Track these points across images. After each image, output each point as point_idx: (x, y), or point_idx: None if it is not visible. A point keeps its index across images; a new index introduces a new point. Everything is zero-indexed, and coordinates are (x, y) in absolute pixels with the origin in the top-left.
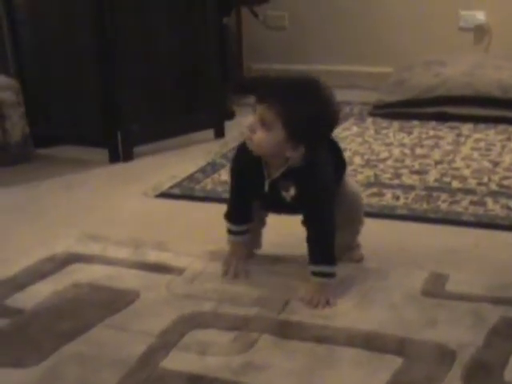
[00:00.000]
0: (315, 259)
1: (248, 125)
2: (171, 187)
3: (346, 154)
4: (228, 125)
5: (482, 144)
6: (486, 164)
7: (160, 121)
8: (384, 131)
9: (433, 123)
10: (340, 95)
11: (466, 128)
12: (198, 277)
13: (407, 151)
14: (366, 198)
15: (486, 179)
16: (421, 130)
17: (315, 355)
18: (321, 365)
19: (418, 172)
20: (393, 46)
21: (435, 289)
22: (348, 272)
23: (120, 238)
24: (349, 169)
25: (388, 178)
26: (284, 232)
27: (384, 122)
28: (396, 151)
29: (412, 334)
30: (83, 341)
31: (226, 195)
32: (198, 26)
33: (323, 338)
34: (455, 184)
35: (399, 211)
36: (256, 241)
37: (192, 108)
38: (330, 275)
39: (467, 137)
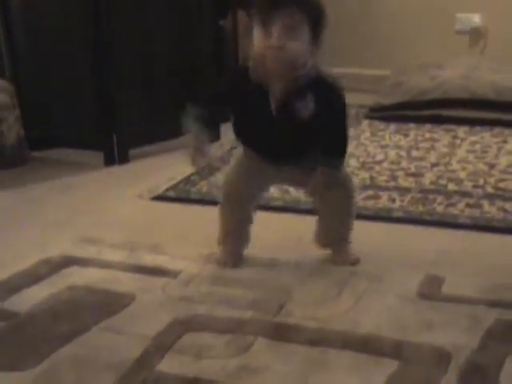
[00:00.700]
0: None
1: (274, 41)
2: (167, 190)
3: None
4: (223, 127)
5: (477, 146)
6: (482, 166)
7: (155, 123)
8: (380, 133)
9: (429, 126)
10: None
11: (462, 130)
12: (193, 280)
13: (403, 153)
14: (362, 201)
15: (481, 182)
16: (417, 133)
17: (311, 358)
18: (316, 368)
19: (413, 174)
20: (390, 48)
21: (431, 291)
22: (343, 275)
23: (115, 241)
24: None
25: (384, 180)
26: (279, 234)
27: (380, 125)
28: (392, 153)
29: (408, 337)
30: (79, 344)
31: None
32: (194, 28)
33: (319, 340)
34: (451, 186)
35: (395, 214)
36: (245, 239)
37: (188, 110)
38: (337, 167)
39: (463, 139)
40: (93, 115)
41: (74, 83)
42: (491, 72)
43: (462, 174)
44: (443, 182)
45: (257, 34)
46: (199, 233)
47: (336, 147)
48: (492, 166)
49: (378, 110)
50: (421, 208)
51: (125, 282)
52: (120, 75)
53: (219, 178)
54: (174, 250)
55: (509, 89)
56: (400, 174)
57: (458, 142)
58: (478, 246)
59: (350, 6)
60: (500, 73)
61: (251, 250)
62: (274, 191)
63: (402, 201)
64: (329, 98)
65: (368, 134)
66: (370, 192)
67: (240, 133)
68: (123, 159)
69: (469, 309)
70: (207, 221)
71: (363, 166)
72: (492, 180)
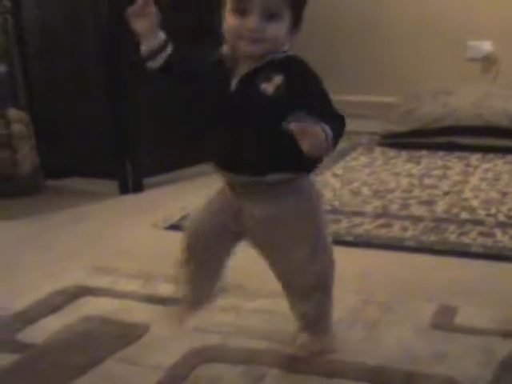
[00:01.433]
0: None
1: (251, 23)
2: (181, 219)
3: (354, 185)
4: None
5: (490, 174)
6: (495, 195)
7: (170, 152)
8: (392, 161)
9: (441, 153)
10: (351, 126)
11: (475, 158)
12: (207, 310)
13: (415, 181)
14: (375, 229)
15: (494, 210)
16: (429, 160)
17: None
18: None
19: (426, 202)
20: (401, 76)
21: (444, 322)
22: (356, 304)
23: (130, 271)
24: (358, 199)
25: (396, 208)
26: None
27: (392, 152)
28: (404, 181)
29: (420, 368)
30: (94, 375)
31: None
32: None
33: (332, 372)
34: (464, 215)
35: (407, 243)
36: (221, 277)
37: (203, 139)
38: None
39: (476, 167)
40: (107, 144)
41: (88, 113)
42: (504, 99)
43: (475, 203)
44: (456, 210)
45: (231, 12)
46: None
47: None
48: (505, 194)
49: (389, 137)
50: (433, 237)
51: (139, 313)
52: (134, 105)
53: None
54: None
55: None
56: (412, 202)
57: (470, 169)
58: (491, 276)
59: (360, 33)
60: None
61: (266, 279)
62: None
63: (414, 230)
64: (304, 79)
65: (380, 162)
66: (382, 221)
67: (204, 130)
68: (137, 188)
69: (482, 340)
70: None
71: (375, 194)
72: (505, 208)
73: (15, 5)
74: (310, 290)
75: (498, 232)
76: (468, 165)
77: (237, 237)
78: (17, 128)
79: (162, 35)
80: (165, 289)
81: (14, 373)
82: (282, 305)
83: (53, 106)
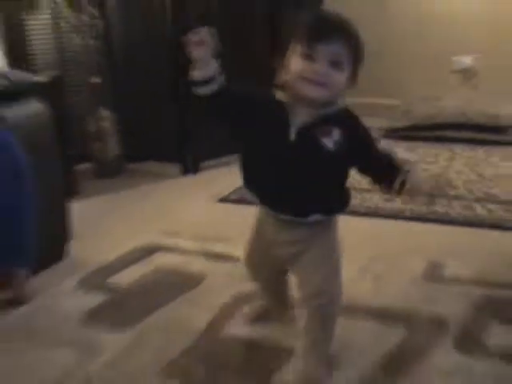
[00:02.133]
0: (394, 172)
1: (319, 68)
2: (230, 194)
3: None
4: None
5: (471, 161)
6: (474, 177)
7: (220, 142)
8: (394, 150)
9: (433, 144)
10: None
11: (459, 148)
12: None
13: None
14: (381, 203)
15: (473, 188)
16: (423, 149)
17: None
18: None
19: None
20: (401, 83)
21: (434, 275)
22: (364, 262)
23: (190, 234)
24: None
25: None
26: None
27: (394, 143)
28: None
29: (415, 308)
30: (164, 313)
31: None
32: (254, 68)
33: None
34: (450, 192)
35: (406, 214)
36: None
37: None
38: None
39: (459, 155)
40: (173, 136)
41: (158, 113)
42: (482, 102)
43: (459, 183)
44: (444, 188)
45: (298, 56)
46: None
47: (390, 172)
48: (482, 177)
49: (392, 131)
50: (426, 209)
51: (198, 266)
52: (195, 106)
53: None
54: (235, 241)
55: (495, 116)
56: None
57: (455, 156)
58: (471, 240)
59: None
60: (489, 104)
61: None
62: None
63: (412, 203)
64: (359, 135)
65: None
66: (387, 196)
67: (246, 163)
68: (196, 170)
69: (464, 288)
70: None
71: None
72: (482, 187)
73: (106, 27)
74: (320, 308)
75: (477, 206)
76: (453, 153)
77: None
78: (106, 125)
79: (215, 64)
80: (217, 247)
81: (104, 308)
82: None
83: (132, 107)
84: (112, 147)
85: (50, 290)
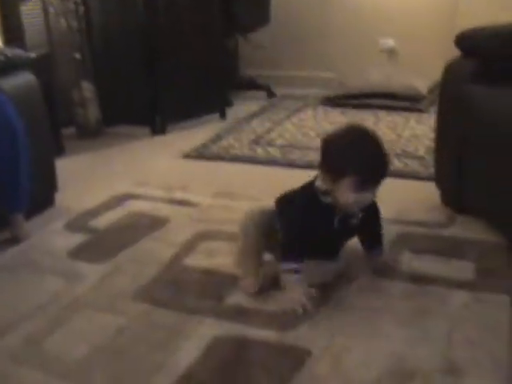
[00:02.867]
0: (379, 239)
1: (368, 200)
2: (191, 151)
3: (304, 130)
4: (228, 110)
5: (391, 124)
6: (394, 136)
7: (185, 107)
8: (330, 115)
9: (361, 110)
10: (302, 92)
11: (382, 113)
12: (207, 208)
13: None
14: (318, 158)
15: (393, 146)
16: (353, 115)
17: None
18: None
19: None
20: (336, 60)
21: None
22: None
23: (158, 184)
24: (307, 138)
25: None
26: None
27: (330, 109)
28: (337, 127)
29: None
30: (136, 248)
31: (227, 156)
32: (211, 46)
33: None
34: None
35: None
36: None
37: (206, 98)
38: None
39: (383, 119)
40: (144, 102)
41: (132, 83)
42: (402, 77)
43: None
44: None
45: (352, 190)
46: (211, 178)
47: (380, 239)
48: (400, 136)
49: (328, 99)
50: None
51: (164, 210)
52: (162, 75)
53: None
54: (195, 190)
55: (412, 88)
56: None
57: (379, 121)
58: (391, 189)
59: (312, 31)
60: (407, 78)
61: (246, 187)
62: None
63: None
64: (375, 215)
65: (322, 115)
66: None
67: (302, 244)
68: (163, 131)
69: (384, 226)
70: (216, 171)
71: (318, 135)
72: (400, 145)
73: (87, 11)
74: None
75: (395, 161)
76: (378, 118)
77: None
78: (88, 94)
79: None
80: (180, 195)
81: (86, 245)
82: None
83: (109, 79)
84: (92, 113)
85: (41, 231)
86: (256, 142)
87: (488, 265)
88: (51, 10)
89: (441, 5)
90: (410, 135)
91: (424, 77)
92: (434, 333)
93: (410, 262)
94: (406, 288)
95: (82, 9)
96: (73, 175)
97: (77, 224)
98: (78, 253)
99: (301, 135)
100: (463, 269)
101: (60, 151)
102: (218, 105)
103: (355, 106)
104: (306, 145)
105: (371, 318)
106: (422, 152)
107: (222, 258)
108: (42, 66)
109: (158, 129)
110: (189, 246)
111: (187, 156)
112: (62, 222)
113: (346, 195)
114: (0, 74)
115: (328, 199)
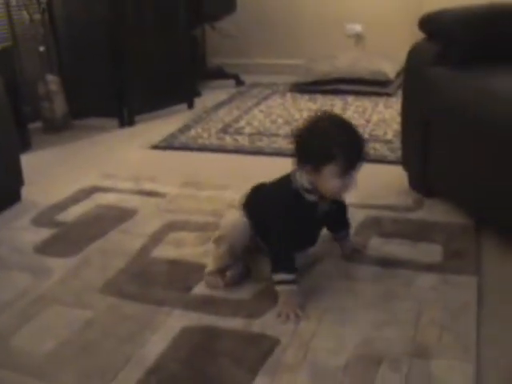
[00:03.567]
0: (347, 224)
1: (351, 183)
2: (159, 142)
3: (272, 117)
4: (196, 100)
5: (360, 109)
6: (362, 121)
7: (152, 98)
8: (298, 101)
9: (330, 96)
10: (270, 79)
11: (350, 98)
12: (175, 198)
13: (313, 114)
14: (285, 145)
15: (361, 131)
16: (322, 100)
17: None
18: None
19: None
20: (305, 46)
21: None
22: None
23: (126, 176)
24: (275, 126)
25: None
26: None
27: (298, 96)
28: (305, 114)
29: None
30: (104, 240)
31: (195, 146)
32: (177, 36)
33: None
34: None
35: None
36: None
37: (173, 89)
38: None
39: (351, 104)
40: (111, 94)
41: (98, 75)
42: (368, 62)
43: None
44: None
45: (335, 176)
46: (180, 168)
47: (347, 223)
48: (368, 121)
49: (296, 86)
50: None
51: (132, 202)
52: (129, 68)
53: None
54: (163, 180)
55: (380, 72)
56: None
57: (348, 106)
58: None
59: (279, 19)
60: (374, 63)
61: (213, 177)
62: None
63: None
64: (341, 201)
65: (290, 102)
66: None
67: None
68: (131, 123)
69: (351, 210)
70: (184, 161)
71: (286, 122)
72: (368, 130)
73: (50, 3)
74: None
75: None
76: (346, 103)
77: None
78: (53, 87)
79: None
80: (147, 186)
81: (53, 240)
82: (224, 194)
83: (75, 71)
84: (59, 106)
85: (8, 226)
86: (224, 130)
87: (456, 247)
88: (13, 2)
89: None
90: (378, 119)
91: (392, 61)
92: (402, 316)
93: (379, 246)
94: (374, 272)
95: (44, 0)
96: (39, 170)
97: (44, 218)
98: (45, 247)
99: (269, 122)
100: (431, 252)
101: (26, 146)
102: (185, 95)
103: (323, 92)
104: (274, 132)
105: (339, 302)
106: (390, 136)
107: (189, 248)
108: (4, 60)
109: (126, 120)
110: (157, 237)
111: (155, 147)
112: (29, 217)
113: (332, 182)
114: None
115: (312, 197)
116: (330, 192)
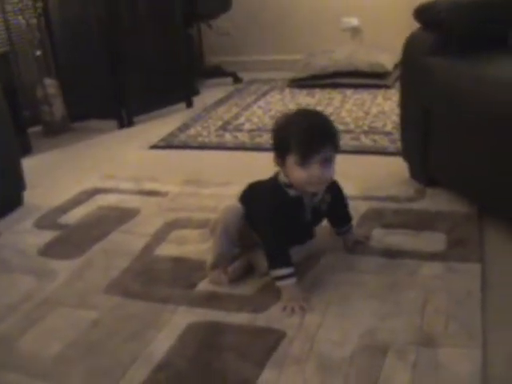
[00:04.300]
0: (348, 218)
1: (316, 173)
2: (159, 141)
3: (272, 113)
4: (195, 99)
5: (358, 101)
6: (361, 114)
7: (150, 98)
8: (296, 96)
9: (328, 90)
10: (268, 75)
11: (349, 92)
12: (176, 197)
13: (311, 108)
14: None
15: (360, 123)
16: (320, 95)
17: None
18: None
19: None
20: (302, 41)
21: None
22: None
23: (126, 176)
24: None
25: None
26: None
27: (297, 91)
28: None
29: None
30: (106, 242)
31: (195, 144)
32: (173, 35)
33: None
34: (341, 127)
35: None
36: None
37: (171, 89)
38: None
39: (349, 97)
40: (110, 96)
41: (96, 77)
42: (366, 54)
43: (348, 119)
44: (336, 125)
45: (295, 166)
46: (180, 167)
47: (349, 217)
48: (367, 114)
49: (295, 81)
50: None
51: (133, 202)
52: (126, 69)
53: None
54: (164, 179)
55: (377, 64)
56: None
57: (346, 99)
58: (358, 164)
59: (274, 17)
60: (371, 55)
61: (215, 174)
62: None
63: None
64: (341, 196)
65: (289, 97)
66: None
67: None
68: (130, 124)
69: (352, 202)
70: (185, 159)
71: None
72: (367, 122)
73: (46, 7)
74: None
75: (362, 137)
76: (345, 96)
77: None
78: (51, 90)
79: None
80: (148, 185)
81: (57, 242)
82: (225, 191)
83: (73, 74)
84: (58, 109)
85: (11, 230)
86: (224, 128)
87: (459, 235)
88: (9, 8)
89: None
90: (377, 111)
91: (389, 53)
92: (407, 305)
93: (382, 237)
94: (377, 263)
95: (40, 5)
96: (41, 173)
97: (46, 221)
98: (48, 250)
99: (268, 118)
100: (435, 241)
101: (27, 150)
102: (184, 94)
103: (322, 87)
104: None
105: (343, 294)
106: (389, 127)
107: (192, 245)
108: (2, 65)
109: (125, 121)
110: (159, 236)
111: (155, 146)
112: (32, 221)
113: (296, 172)
114: None
115: (293, 192)
116: (299, 183)
